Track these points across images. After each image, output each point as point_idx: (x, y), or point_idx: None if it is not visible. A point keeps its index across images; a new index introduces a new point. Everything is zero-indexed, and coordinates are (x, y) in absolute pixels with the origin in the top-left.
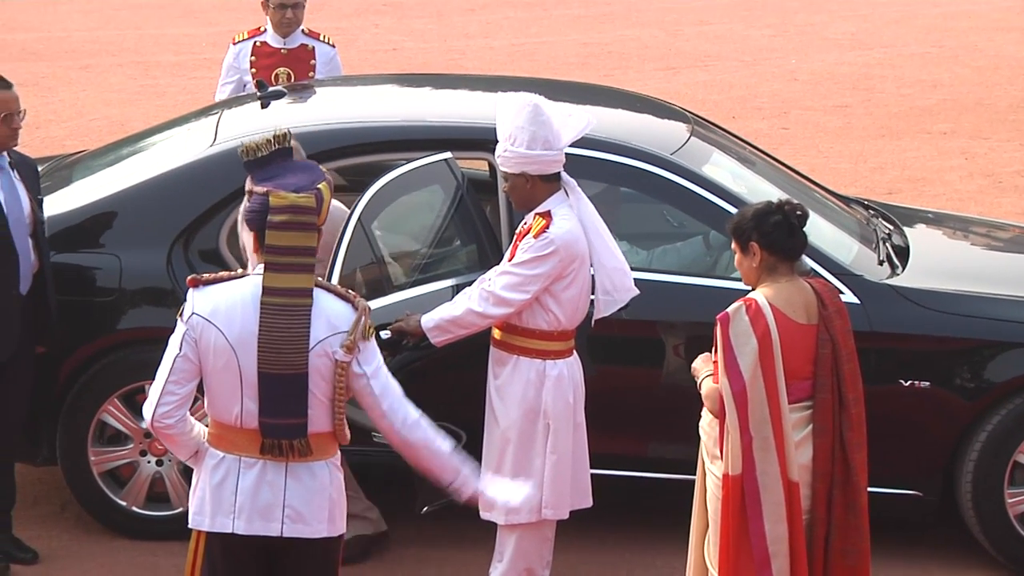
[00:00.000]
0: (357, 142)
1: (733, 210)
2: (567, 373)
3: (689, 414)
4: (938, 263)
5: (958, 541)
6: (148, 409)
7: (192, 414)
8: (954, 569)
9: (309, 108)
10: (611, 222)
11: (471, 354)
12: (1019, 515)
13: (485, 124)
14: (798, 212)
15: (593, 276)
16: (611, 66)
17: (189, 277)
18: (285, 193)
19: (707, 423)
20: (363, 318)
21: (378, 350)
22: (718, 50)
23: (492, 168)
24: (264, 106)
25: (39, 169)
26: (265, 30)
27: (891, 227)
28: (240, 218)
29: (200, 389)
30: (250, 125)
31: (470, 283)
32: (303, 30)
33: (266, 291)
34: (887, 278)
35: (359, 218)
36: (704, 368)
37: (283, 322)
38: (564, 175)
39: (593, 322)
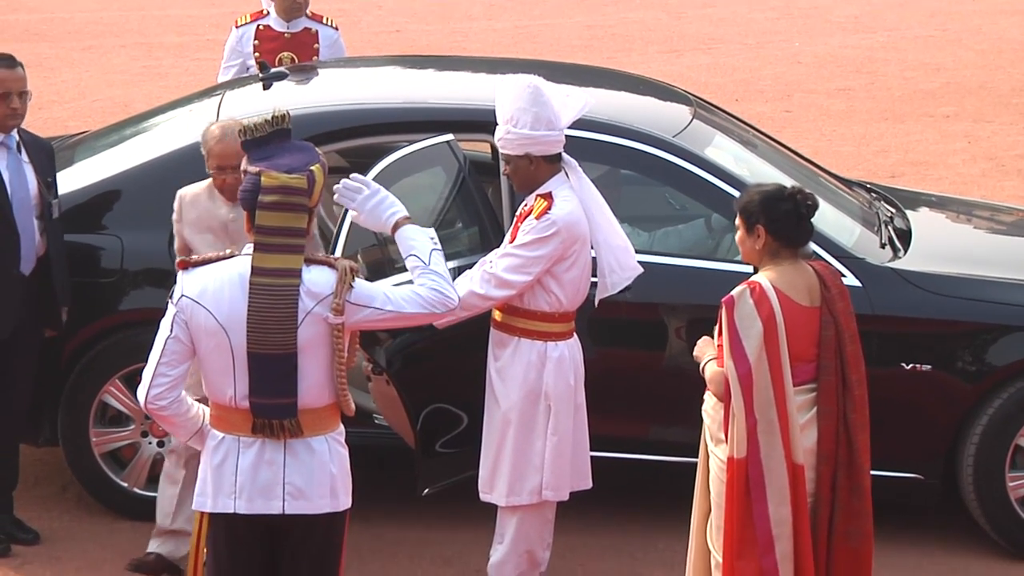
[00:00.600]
0: (359, 124)
1: (735, 193)
2: (568, 355)
3: (691, 396)
4: (940, 246)
5: (959, 524)
6: (141, 391)
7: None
8: (955, 552)
9: (311, 90)
10: (613, 204)
11: (472, 336)
12: (1020, 498)
13: (487, 106)
14: (808, 202)
15: (594, 257)
16: (614, 48)
17: (178, 260)
18: (277, 173)
19: (711, 406)
20: (346, 277)
21: (373, 286)
22: (721, 33)
23: (494, 150)
24: (266, 87)
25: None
26: (268, 13)
27: (893, 210)
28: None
29: None
30: (252, 106)
31: (472, 265)
32: (306, 13)
33: (255, 271)
34: (889, 261)
35: None
36: (707, 351)
37: (271, 302)
38: (565, 156)
39: (596, 302)
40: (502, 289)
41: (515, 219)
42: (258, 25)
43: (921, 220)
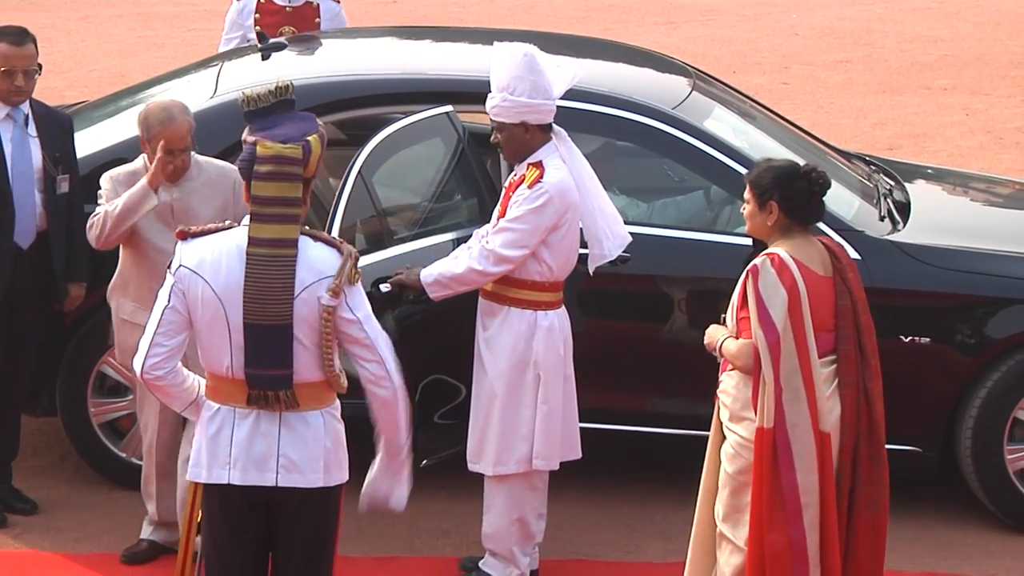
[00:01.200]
0: (357, 95)
1: (734, 165)
2: (558, 324)
3: (691, 369)
4: (939, 219)
5: (957, 497)
6: (138, 361)
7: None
8: (954, 525)
9: (309, 60)
10: (611, 176)
11: (470, 308)
12: (1018, 471)
13: (486, 77)
14: (822, 181)
15: (582, 230)
16: (611, 20)
17: (177, 230)
18: (272, 143)
19: (731, 386)
20: (349, 262)
21: (365, 299)
22: (718, 4)
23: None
24: (265, 58)
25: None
26: None
27: (892, 183)
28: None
29: None
30: (251, 77)
31: (471, 236)
32: None
33: (251, 241)
34: (888, 234)
35: (359, 171)
36: (719, 333)
37: (267, 272)
38: (554, 125)
39: (592, 270)
40: (501, 265)
41: (504, 189)
42: None
43: (920, 193)
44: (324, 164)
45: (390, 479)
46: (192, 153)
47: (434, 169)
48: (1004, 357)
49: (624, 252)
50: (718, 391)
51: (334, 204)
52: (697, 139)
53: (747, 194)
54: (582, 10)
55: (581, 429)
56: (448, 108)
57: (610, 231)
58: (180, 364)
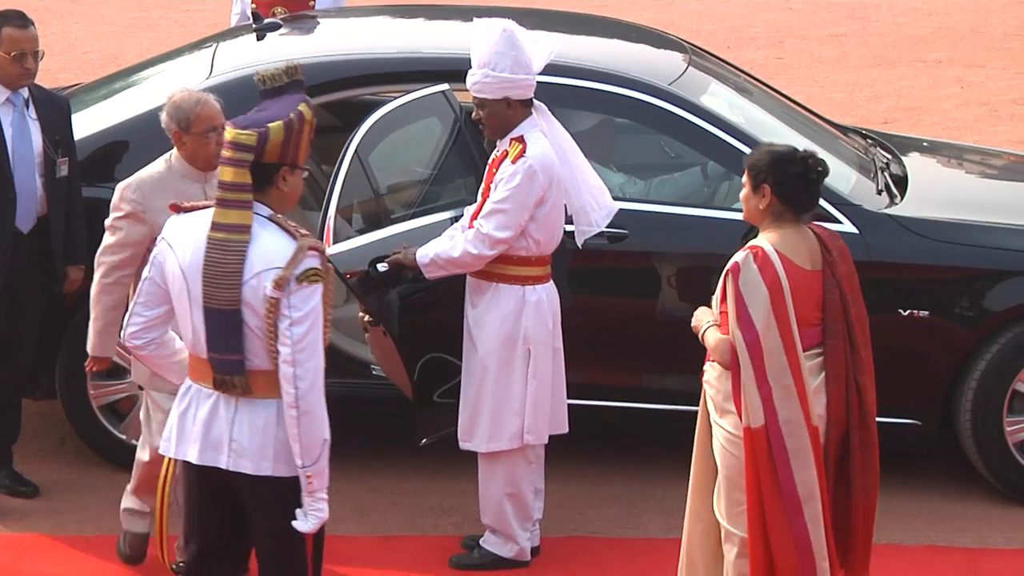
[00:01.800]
0: (354, 74)
1: (731, 141)
2: (546, 298)
3: (688, 345)
4: (936, 192)
5: (957, 470)
6: (124, 329)
7: None
8: (953, 498)
9: (305, 40)
10: (608, 153)
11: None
12: (1018, 443)
13: None
14: (819, 167)
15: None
16: None
17: (171, 203)
18: (231, 128)
19: (714, 377)
20: (301, 255)
21: (313, 304)
22: None
23: None
24: (260, 38)
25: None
26: None
27: (889, 156)
28: None
29: None
30: (245, 58)
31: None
32: None
33: (212, 226)
34: (886, 207)
35: (356, 150)
36: (705, 318)
37: (220, 257)
38: (535, 100)
39: (581, 243)
40: (496, 248)
41: (487, 166)
42: None
43: (916, 166)
44: (318, 147)
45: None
46: None
47: (431, 148)
48: (1003, 329)
49: (622, 228)
50: (703, 379)
51: (330, 185)
52: (694, 115)
53: (744, 177)
54: None
55: (582, 406)
56: (445, 86)
57: (596, 203)
58: (171, 336)
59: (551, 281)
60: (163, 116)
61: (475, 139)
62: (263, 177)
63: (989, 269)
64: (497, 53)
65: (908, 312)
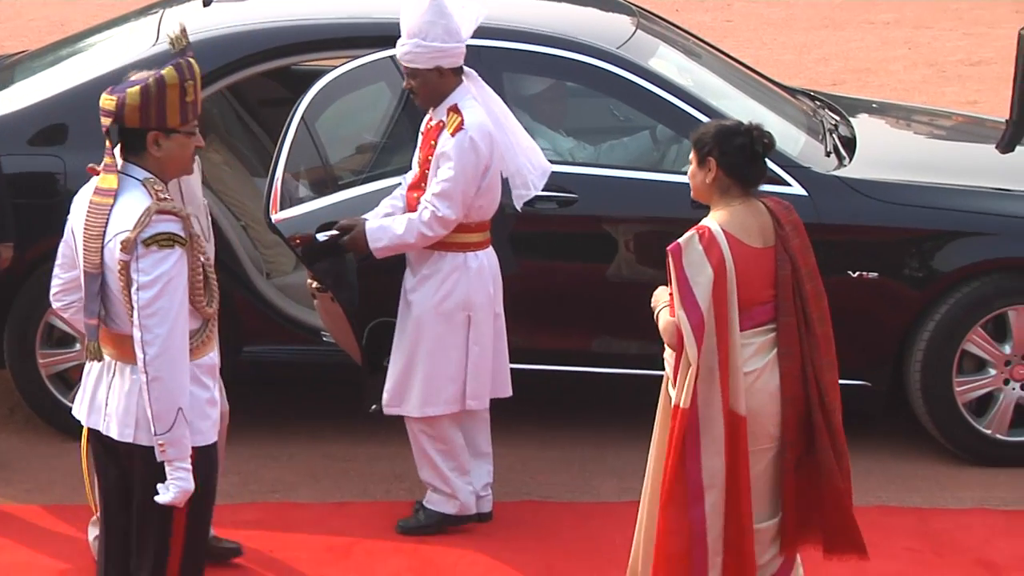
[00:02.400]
0: (301, 40)
1: (680, 104)
2: (487, 264)
3: (640, 308)
4: (885, 153)
5: (908, 430)
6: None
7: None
8: (904, 457)
9: (251, 7)
10: (558, 117)
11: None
12: (968, 403)
13: None
14: (764, 140)
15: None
16: None
17: (89, 165)
18: (105, 95)
19: (668, 354)
20: (146, 218)
21: (163, 269)
22: None
23: None
24: (206, 4)
25: None
26: None
27: (837, 118)
28: None
29: None
30: (192, 25)
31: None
32: None
33: (95, 190)
34: (834, 169)
35: (303, 116)
36: (662, 299)
37: (92, 220)
38: (465, 67)
39: (519, 206)
40: (448, 227)
41: (421, 136)
42: None
43: (865, 127)
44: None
45: None
46: None
47: (380, 114)
48: (952, 290)
49: (572, 193)
50: (664, 356)
51: (276, 151)
52: (642, 78)
53: (691, 155)
54: None
55: (533, 371)
56: (393, 52)
57: (531, 164)
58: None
59: (491, 246)
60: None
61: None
62: (134, 142)
63: (938, 230)
64: (427, 22)
65: (857, 274)
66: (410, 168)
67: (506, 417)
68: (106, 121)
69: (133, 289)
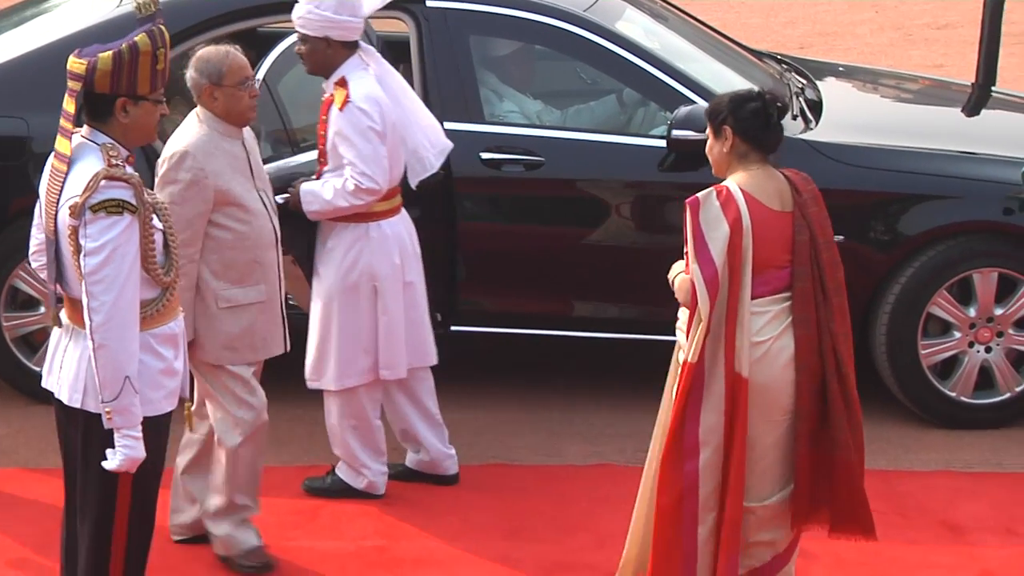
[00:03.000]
0: (267, 2)
1: (647, 67)
2: (391, 233)
3: (610, 271)
4: (851, 117)
5: (874, 393)
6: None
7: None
8: (869, 421)
9: None
10: (525, 80)
11: None
12: (932, 366)
13: None
14: (778, 104)
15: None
16: None
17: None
18: (73, 57)
19: (683, 321)
20: (94, 183)
21: (110, 236)
22: None
23: (417, 27)
24: None
25: None
26: None
27: (804, 81)
28: None
29: None
30: None
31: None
32: None
33: (54, 154)
34: (801, 133)
35: (264, 79)
36: (678, 267)
37: (50, 185)
38: (363, 44)
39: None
40: (375, 194)
41: (320, 112)
42: None
43: (831, 91)
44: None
45: None
46: None
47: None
48: (917, 253)
49: (539, 156)
50: (676, 324)
51: None
52: (609, 41)
53: (707, 130)
54: None
55: (502, 335)
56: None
57: (429, 142)
58: None
59: (401, 214)
60: (190, 73)
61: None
62: (100, 107)
63: (903, 193)
64: None
65: None
66: None
67: (474, 380)
68: (74, 84)
69: (81, 255)
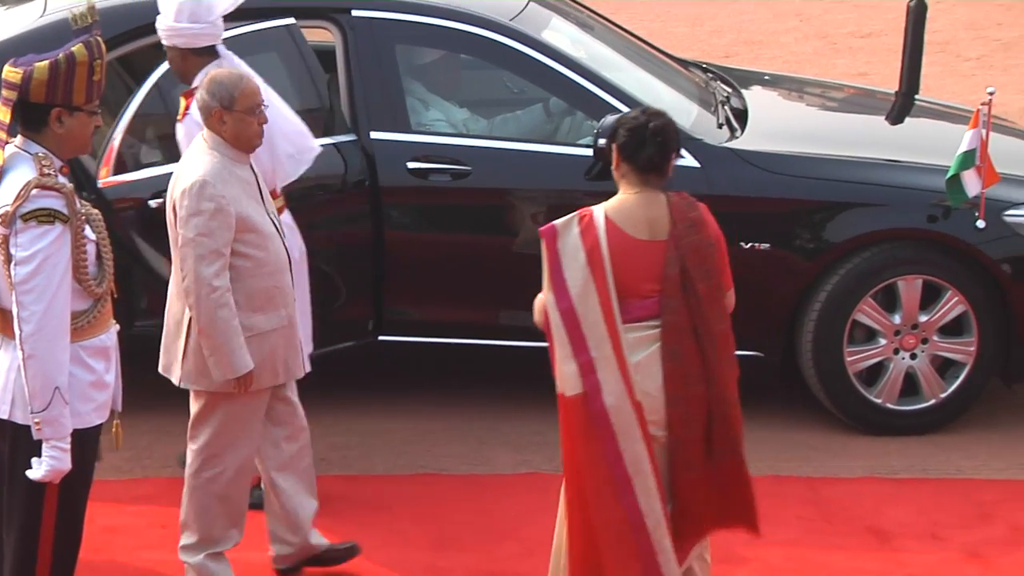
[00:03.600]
0: None
1: (573, 76)
2: None
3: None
4: (776, 125)
5: (801, 400)
6: None
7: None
8: (796, 427)
9: None
10: (452, 90)
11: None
12: (858, 373)
13: None
14: (651, 124)
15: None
16: None
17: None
18: (8, 66)
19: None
20: (25, 192)
21: (40, 246)
22: None
23: (343, 37)
24: None
25: None
26: None
27: (729, 90)
28: None
29: None
30: None
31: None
32: None
33: None
34: (726, 141)
35: (157, 82)
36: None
37: None
38: (222, 49)
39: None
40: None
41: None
42: None
43: (757, 99)
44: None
45: None
46: None
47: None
48: (843, 260)
49: (466, 165)
50: None
51: (120, 113)
52: (535, 50)
53: None
54: None
55: (429, 344)
56: (290, 20)
57: (293, 148)
58: None
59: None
60: (201, 94)
61: (317, 75)
62: (35, 117)
63: (828, 201)
64: (167, 0)
65: (749, 245)
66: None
67: (401, 390)
68: (9, 94)
69: (12, 265)
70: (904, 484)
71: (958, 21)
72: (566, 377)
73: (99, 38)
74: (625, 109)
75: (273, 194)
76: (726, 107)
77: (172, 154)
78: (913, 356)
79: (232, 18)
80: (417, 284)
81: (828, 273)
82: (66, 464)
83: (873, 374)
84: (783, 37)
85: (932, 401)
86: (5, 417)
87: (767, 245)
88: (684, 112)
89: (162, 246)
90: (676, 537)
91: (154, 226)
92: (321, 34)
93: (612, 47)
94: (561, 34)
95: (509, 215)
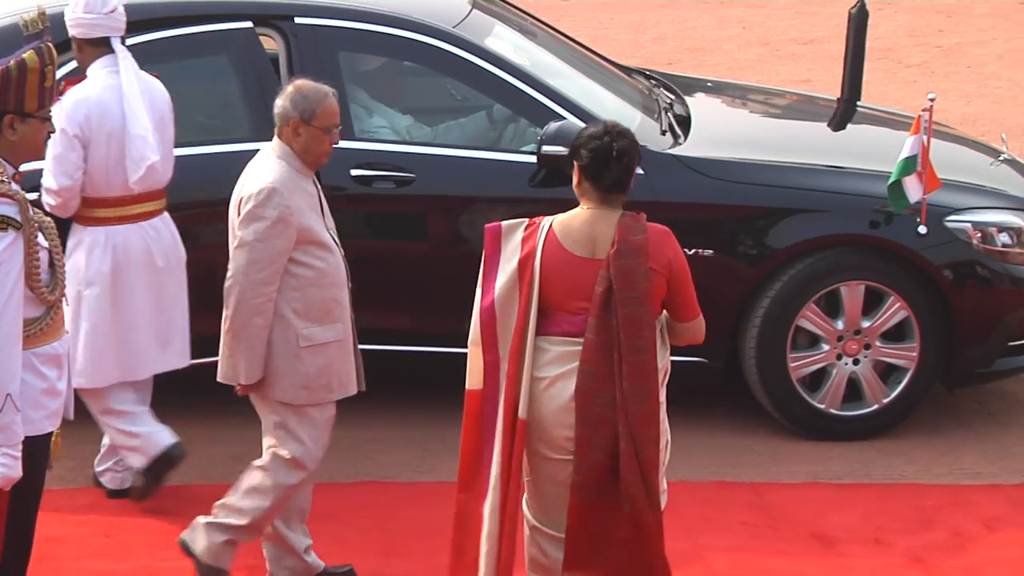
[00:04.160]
0: (155, 16)
1: (516, 83)
2: (105, 240)
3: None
4: (719, 132)
5: (744, 406)
6: None
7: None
8: (740, 433)
9: None
10: (395, 97)
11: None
12: (801, 378)
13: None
14: (616, 146)
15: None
16: None
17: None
18: None
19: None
20: None
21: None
22: None
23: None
24: None
25: None
26: None
27: (672, 97)
28: None
29: None
30: (26, 2)
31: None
32: None
33: None
34: (669, 148)
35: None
36: None
37: None
38: (117, 45)
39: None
40: (58, 196)
41: None
42: None
43: (700, 106)
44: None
45: None
46: None
47: (222, 83)
48: (786, 266)
49: (409, 172)
50: None
51: None
52: (479, 57)
53: None
54: None
55: (372, 351)
56: (247, 24)
57: (137, 152)
58: None
59: (139, 225)
60: (282, 102)
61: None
62: None
63: (772, 207)
64: None
65: (693, 251)
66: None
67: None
68: None
69: None
70: (848, 489)
71: (900, 28)
72: (472, 371)
73: (50, 44)
74: (569, 116)
75: (104, 202)
76: (669, 114)
77: None
78: (856, 362)
79: (184, 22)
80: (360, 291)
81: (771, 279)
82: (17, 471)
83: (816, 380)
84: (726, 44)
85: (875, 406)
86: None
87: (710, 251)
88: (627, 119)
89: None
90: (563, 563)
91: None
92: (264, 41)
93: (555, 54)
94: (504, 41)
95: (453, 222)
